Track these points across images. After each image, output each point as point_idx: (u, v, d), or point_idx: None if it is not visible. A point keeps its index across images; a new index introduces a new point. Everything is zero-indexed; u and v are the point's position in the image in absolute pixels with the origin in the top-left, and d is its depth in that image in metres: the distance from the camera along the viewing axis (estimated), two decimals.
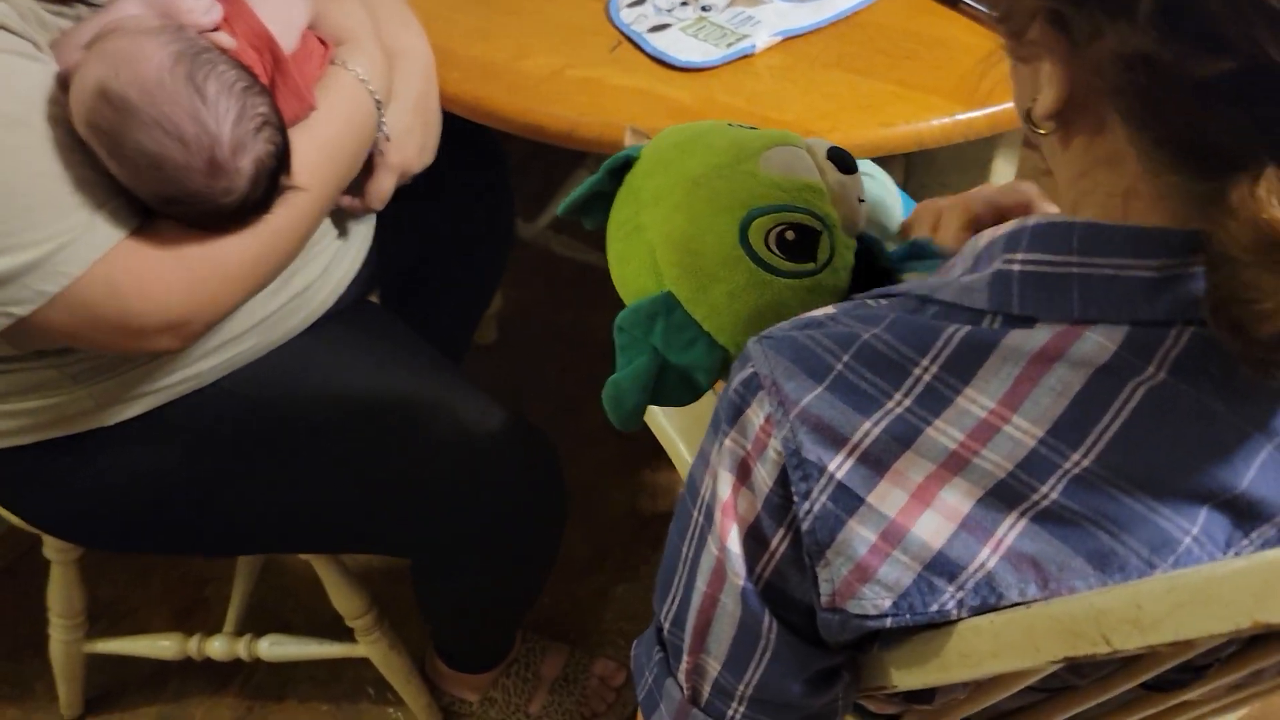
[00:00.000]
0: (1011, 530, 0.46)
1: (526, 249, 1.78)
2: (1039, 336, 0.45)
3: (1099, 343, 0.45)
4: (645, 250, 0.62)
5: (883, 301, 0.51)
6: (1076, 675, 0.55)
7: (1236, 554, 0.47)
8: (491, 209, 1.34)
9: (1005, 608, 0.47)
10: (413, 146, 0.99)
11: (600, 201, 0.68)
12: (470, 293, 1.42)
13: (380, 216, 1.09)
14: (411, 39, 1.02)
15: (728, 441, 0.51)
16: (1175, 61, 0.40)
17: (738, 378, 0.51)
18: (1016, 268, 0.47)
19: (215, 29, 0.82)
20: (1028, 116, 0.49)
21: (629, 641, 0.59)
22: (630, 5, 1.09)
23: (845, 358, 0.48)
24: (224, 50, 0.80)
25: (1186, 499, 0.45)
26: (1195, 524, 0.46)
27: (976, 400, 0.46)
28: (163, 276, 0.79)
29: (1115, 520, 0.45)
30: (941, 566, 0.47)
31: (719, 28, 1.05)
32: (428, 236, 1.25)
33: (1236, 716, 0.84)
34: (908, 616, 0.47)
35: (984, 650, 0.47)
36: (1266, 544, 0.47)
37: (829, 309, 0.52)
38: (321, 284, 1.01)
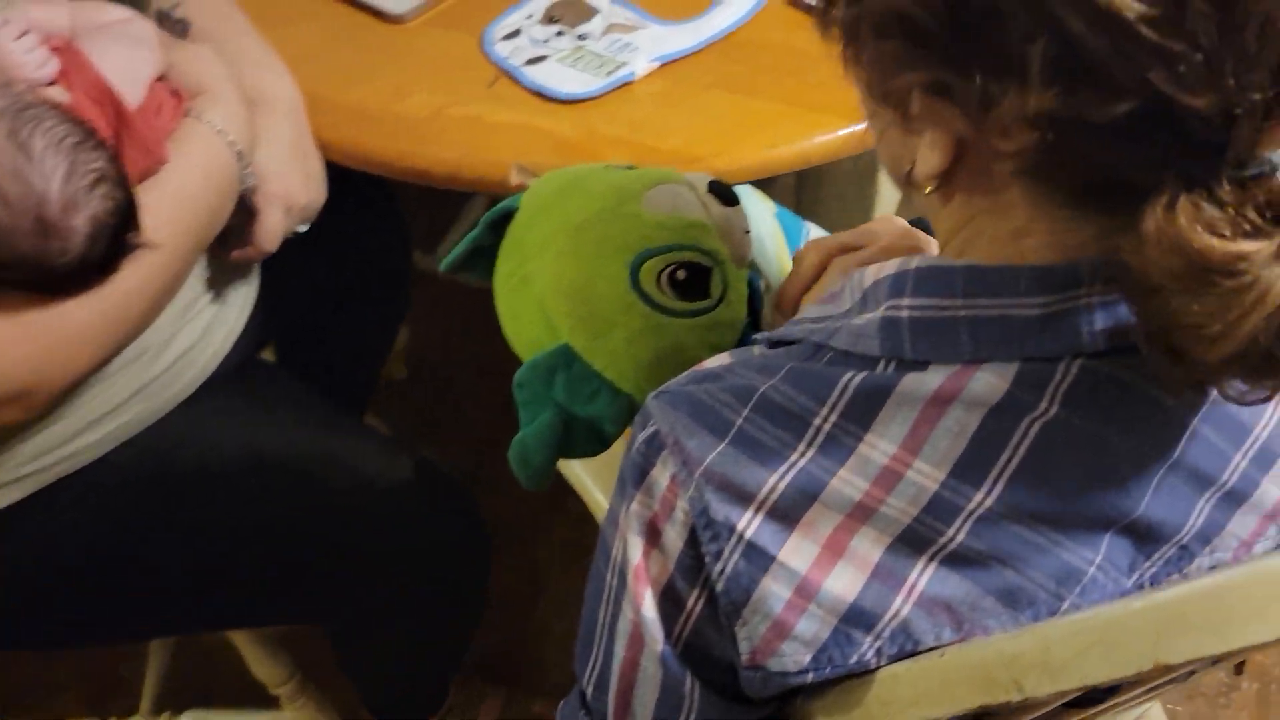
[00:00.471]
0: (922, 575, 0.46)
1: (430, 281, 1.74)
2: (933, 379, 0.45)
3: (991, 382, 0.45)
4: (535, 302, 0.61)
5: (778, 349, 0.51)
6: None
7: (1140, 576, 0.48)
8: (383, 248, 1.31)
9: (923, 652, 0.47)
10: (295, 178, 0.94)
11: (483, 256, 0.66)
12: (369, 336, 1.39)
13: (266, 269, 1.05)
14: (276, 84, 0.98)
15: (635, 505, 0.49)
16: (1075, 113, 0.39)
17: (639, 437, 0.50)
18: (905, 314, 0.47)
19: (50, 84, 0.78)
20: (907, 179, 0.48)
21: (571, 679, 0.58)
22: (505, 38, 1.07)
23: (745, 411, 0.47)
24: (57, 106, 0.76)
25: (1088, 528, 0.46)
26: (1098, 552, 0.46)
27: (877, 447, 0.46)
28: (2, 345, 0.75)
29: (1020, 557, 0.46)
30: (857, 618, 0.46)
31: (597, 56, 1.04)
32: (317, 284, 1.21)
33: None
34: (828, 670, 0.47)
35: (904, 697, 0.47)
36: (1168, 564, 0.48)
37: (724, 358, 0.52)
38: (204, 345, 0.97)
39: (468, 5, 1.12)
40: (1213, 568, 0.48)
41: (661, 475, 0.49)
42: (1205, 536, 0.47)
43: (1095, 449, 0.45)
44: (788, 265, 0.75)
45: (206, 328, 0.96)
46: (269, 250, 0.95)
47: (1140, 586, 0.48)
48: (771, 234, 0.72)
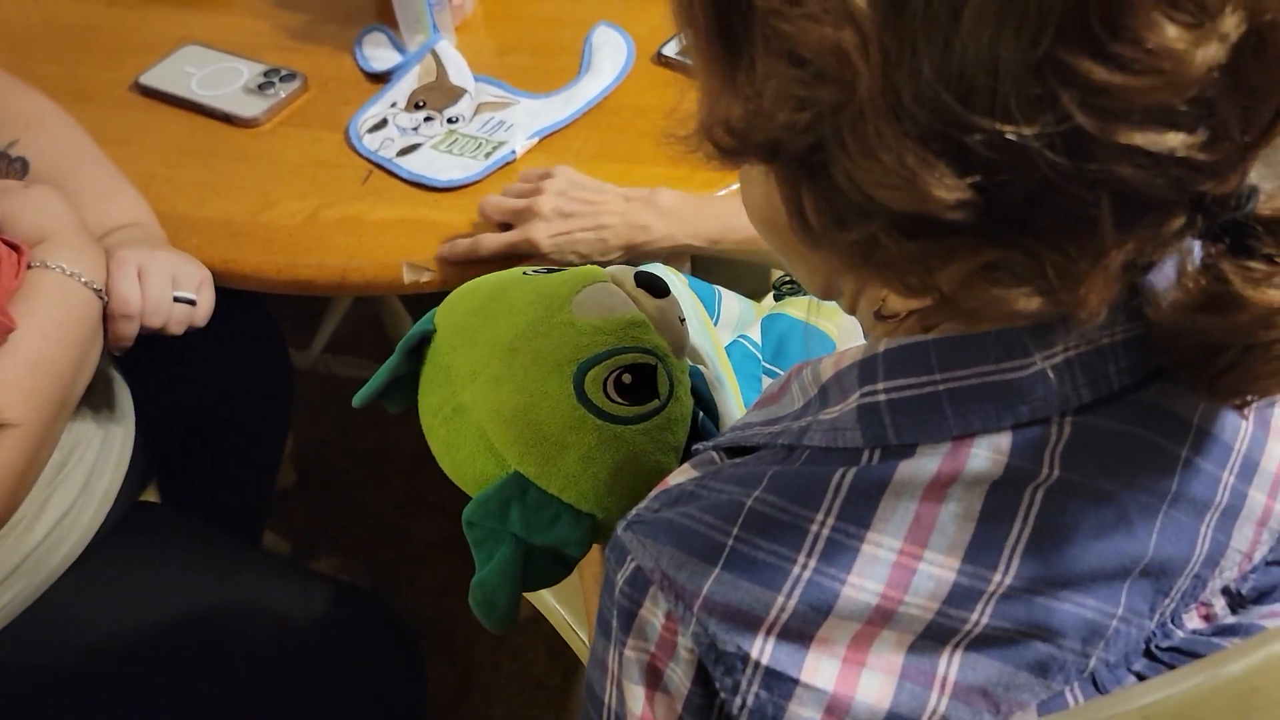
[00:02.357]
0: (951, 666, 0.44)
1: (307, 377, 1.66)
2: (927, 464, 0.43)
3: (988, 457, 0.43)
4: (474, 432, 0.56)
5: (746, 457, 0.48)
6: None
7: (1162, 616, 0.47)
8: (258, 357, 1.23)
9: None
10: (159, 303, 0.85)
11: (402, 385, 0.61)
12: (256, 451, 1.30)
13: (138, 403, 0.96)
14: (127, 211, 0.91)
15: (628, 651, 0.46)
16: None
17: (620, 577, 0.46)
18: (882, 398, 0.44)
19: None
20: (875, 314, 0.47)
21: None
22: (371, 130, 1.02)
23: (735, 530, 0.44)
24: None
25: (1106, 582, 0.44)
26: (1119, 605, 0.45)
27: (882, 544, 0.43)
28: None
29: (1046, 626, 0.44)
30: None
31: (472, 139, 1.00)
32: (194, 409, 1.13)
33: None
34: None
35: None
36: (1184, 596, 0.47)
37: (689, 472, 0.49)
38: (83, 505, 0.88)
39: (323, 100, 1.07)
40: (1224, 589, 0.48)
41: (654, 614, 0.45)
42: (1213, 560, 0.47)
43: (1100, 503, 0.43)
44: (716, 339, 0.72)
45: (84, 484, 0.88)
46: (125, 346, 0.85)
47: (1163, 626, 0.47)
48: (695, 311, 0.69)
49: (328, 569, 1.51)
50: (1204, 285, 0.39)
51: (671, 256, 0.89)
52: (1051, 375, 0.42)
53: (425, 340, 0.60)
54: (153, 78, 1.08)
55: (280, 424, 1.33)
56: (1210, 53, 0.32)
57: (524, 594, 0.57)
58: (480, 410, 0.56)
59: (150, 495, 1.16)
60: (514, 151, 0.98)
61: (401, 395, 0.62)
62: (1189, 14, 0.32)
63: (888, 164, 0.34)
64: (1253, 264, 0.39)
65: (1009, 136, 0.33)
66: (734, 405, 0.67)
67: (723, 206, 0.89)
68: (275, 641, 0.91)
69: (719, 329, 0.77)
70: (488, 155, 0.98)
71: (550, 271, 0.61)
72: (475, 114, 1.02)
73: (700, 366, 0.65)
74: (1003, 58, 0.32)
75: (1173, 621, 0.47)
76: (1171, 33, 0.31)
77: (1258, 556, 0.48)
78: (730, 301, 0.81)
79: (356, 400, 0.62)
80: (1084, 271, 0.37)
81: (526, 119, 1.01)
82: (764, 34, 0.36)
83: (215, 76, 1.08)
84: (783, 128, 0.36)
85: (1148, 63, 0.32)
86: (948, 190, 0.34)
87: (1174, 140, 0.33)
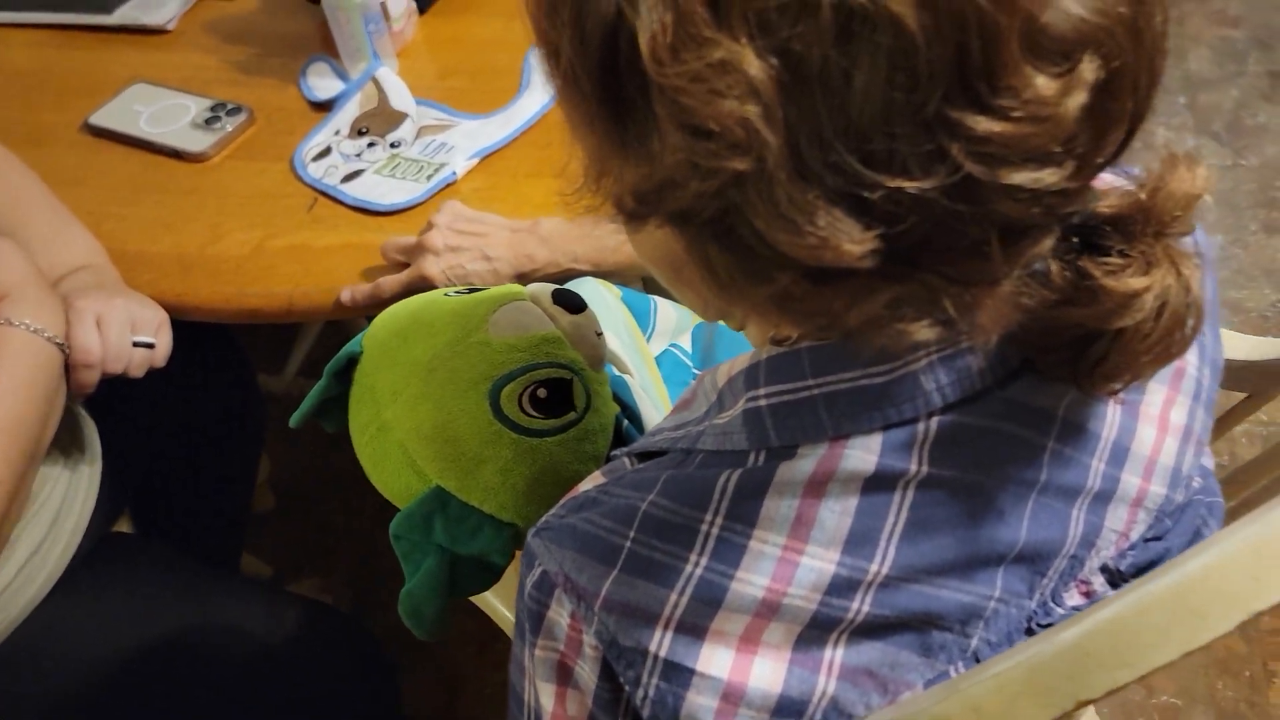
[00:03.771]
0: (837, 651, 0.46)
1: (282, 401, 1.68)
2: (805, 464, 0.46)
3: (861, 456, 0.45)
4: (397, 449, 0.58)
5: (648, 462, 0.51)
6: None
7: (1041, 595, 0.49)
8: (225, 384, 1.25)
9: None
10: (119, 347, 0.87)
11: (335, 404, 0.63)
12: (229, 478, 1.32)
13: (105, 437, 0.98)
14: (80, 254, 0.93)
15: (538, 651, 0.48)
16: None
17: (529, 580, 0.48)
18: (763, 402, 0.47)
19: None
20: (771, 339, 0.49)
21: None
22: (316, 159, 1.04)
23: (631, 533, 0.47)
24: None
25: (981, 568, 0.47)
26: (995, 588, 0.47)
27: (768, 540, 0.46)
28: None
29: (925, 611, 0.46)
30: (788, 707, 0.46)
31: (414, 162, 1.02)
32: (163, 438, 1.15)
33: None
34: None
35: None
36: (1063, 576, 0.50)
37: (598, 478, 0.51)
38: (53, 542, 0.90)
39: (270, 132, 1.09)
40: (1103, 567, 0.50)
41: (560, 615, 0.47)
42: (1088, 541, 0.49)
43: (970, 495, 0.46)
44: (646, 349, 0.75)
45: (52, 522, 0.89)
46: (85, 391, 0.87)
47: (1044, 605, 0.49)
48: (624, 323, 0.72)
49: (309, 590, 1.53)
50: (1069, 281, 0.42)
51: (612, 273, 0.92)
52: (919, 379, 0.45)
53: (353, 362, 0.62)
54: (102, 117, 1.11)
55: (251, 450, 1.35)
56: (1078, 99, 0.35)
57: (483, 599, 0.59)
58: (402, 428, 0.58)
59: (123, 526, 1.18)
60: (455, 173, 1.00)
61: (336, 415, 0.65)
62: (1055, 65, 0.34)
63: (799, 224, 0.36)
64: (1108, 259, 0.41)
65: (909, 190, 0.35)
66: (661, 413, 0.70)
67: (602, 230, 0.91)
68: (248, 664, 0.93)
69: (655, 338, 0.79)
70: (429, 177, 1.00)
71: (472, 291, 0.64)
72: (417, 137, 1.05)
73: (626, 376, 0.67)
74: (896, 118, 0.34)
75: (1053, 600, 0.50)
76: (1042, 83, 0.34)
77: (1135, 535, 0.51)
78: (667, 310, 0.83)
79: (292, 421, 0.65)
80: (978, 300, 0.39)
81: (466, 140, 1.03)
82: (664, 108, 0.36)
83: (163, 113, 1.10)
84: (692, 196, 0.38)
85: (1026, 111, 0.34)
86: (856, 244, 0.36)
87: (1050, 176, 0.36)
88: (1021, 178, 0.35)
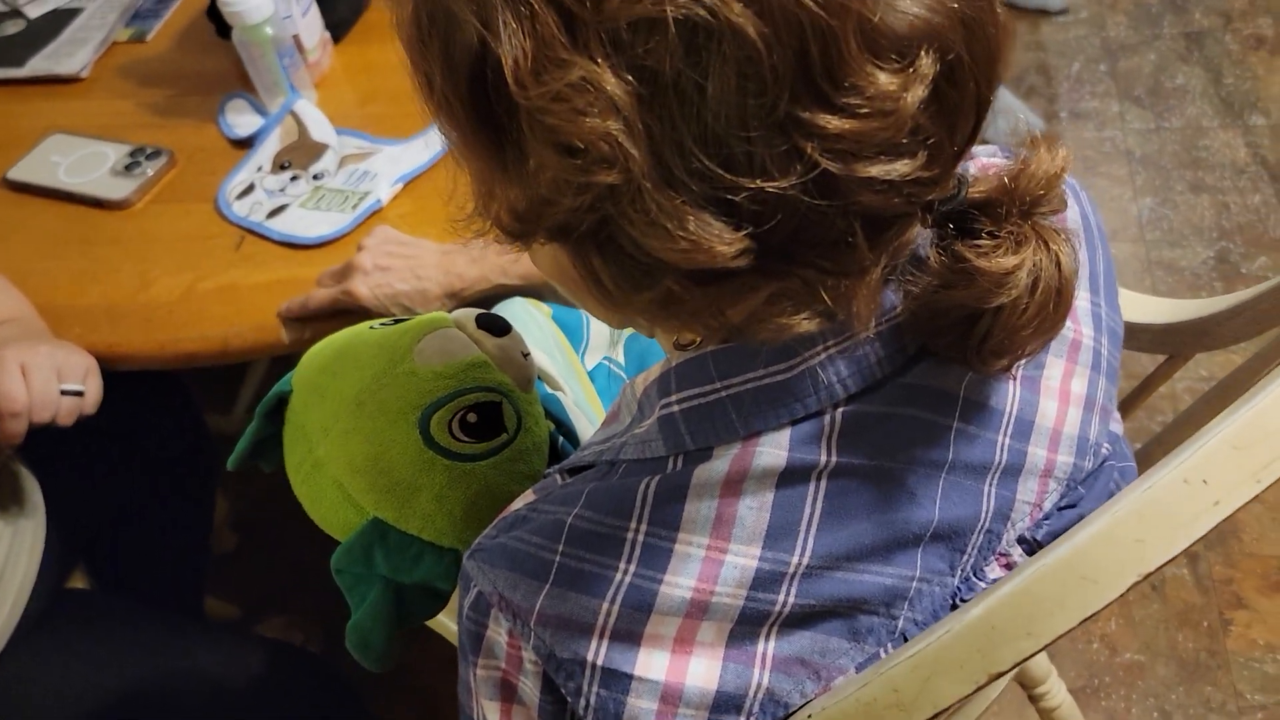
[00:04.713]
0: (769, 643, 0.47)
1: (231, 442, 1.66)
2: (720, 465, 0.47)
3: (772, 452, 0.47)
4: (332, 486, 0.59)
5: (577, 475, 0.51)
6: None
7: (963, 571, 0.51)
8: (173, 428, 1.24)
9: (795, 711, 0.48)
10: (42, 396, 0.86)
11: (271, 444, 0.64)
12: (183, 523, 1.31)
13: (52, 495, 0.97)
14: (3, 309, 0.92)
15: (479, 670, 0.49)
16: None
17: (466, 602, 0.49)
18: (676, 408, 0.48)
19: None
20: (675, 344, 0.50)
21: None
22: (240, 197, 1.04)
23: (560, 547, 0.48)
24: None
25: (900, 549, 0.48)
26: (916, 568, 0.49)
27: (692, 542, 0.47)
28: None
29: (849, 597, 0.48)
30: (725, 702, 0.47)
31: (339, 192, 1.02)
32: (111, 487, 1.14)
33: None
34: None
35: None
36: (981, 550, 0.51)
37: (529, 496, 0.52)
38: None
39: (191, 173, 1.09)
40: (1020, 538, 0.52)
41: (498, 634, 0.48)
42: (1002, 514, 0.51)
43: (881, 480, 0.48)
44: (578, 365, 0.76)
45: None
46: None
47: (966, 580, 0.51)
48: (555, 340, 0.73)
49: (279, 629, 1.52)
50: (946, 265, 0.44)
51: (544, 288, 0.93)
52: (818, 373, 0.46)
53: (283, 402, 0.63)
54: (20, 171, 1.10)
55: (205, 493, 1.34)
56: (918, 92, 0.37)
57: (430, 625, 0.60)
58: (335, 464, 0.59)
59: (79, 582, 1.17)
60: (380, 200, 1.00)
61: (273, 454, 0.65)
62: (894, 62, 0.36)
63: (671, 230, 0.38)
64: (979, 241, 0.43)
65: (771, 190, 0.37)
66: (595, 427, 0.71)
67: None
68: (212, 711, 0.93)
69: (589, 352, 0.80)
70: (354, 207, 1.00)
71: (398, 322, 0.64)
72: (340, 167, 1.05)
73: (559, 394, 0.68)
74: (751, 123, 0.36)
75: (975, 574, 0.51)
76: (883, 80, 0.36)
77: (1048, 505, 0.52)
78: (600, 324, 0.84)
79: (229, 464, 0.65)
80: (851, 289, 0.41)
81: (389, 166, 1.03)
82: (532, 129, 0.38)
83: (82, 163, 1.09)
84: (567, 211, 0.39)
85: (871, 107, 0.36)
86: (728, 245, 0.38)
87: (904, 166, 0.38)
88: (876, 170, 0.37)
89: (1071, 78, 2.05)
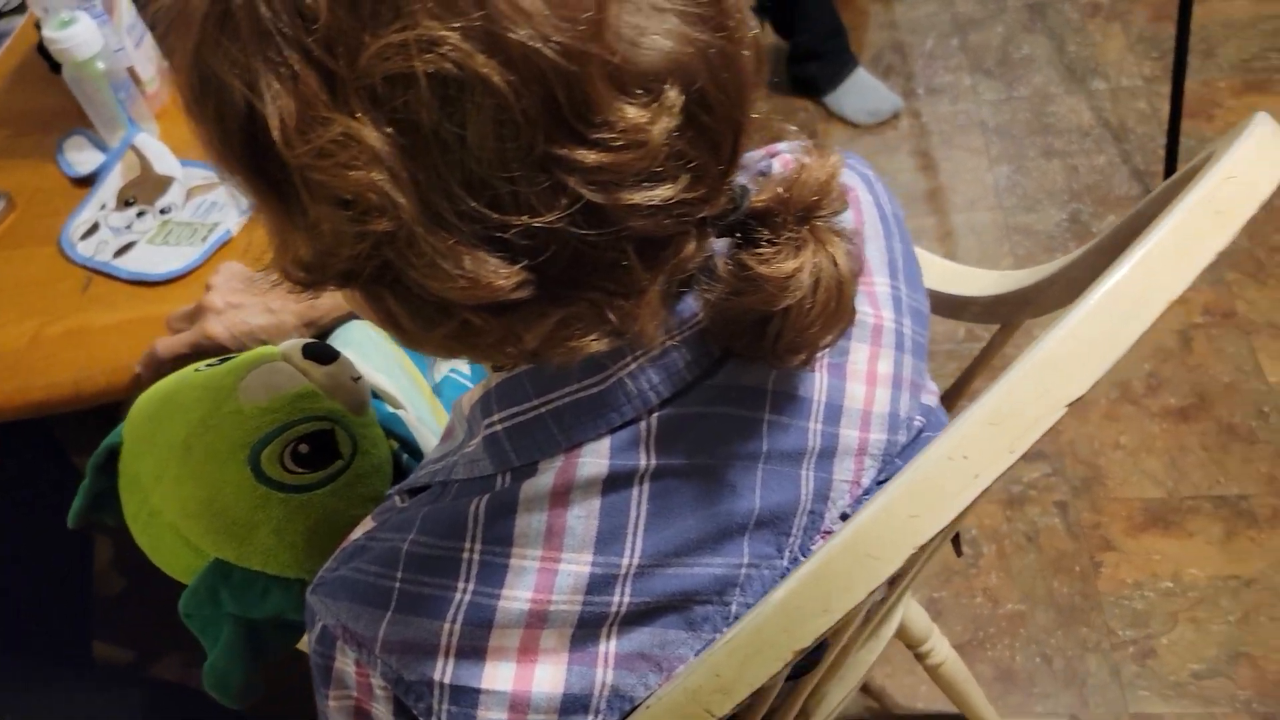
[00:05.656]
0: (610, 643, 0.49)
1: None
2: (546, 478, 0.48)
3: (594, 462, 0.48)
4: (169, 531, 0.59)
5: (415, 497, 0.53)
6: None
7: (791, 553, 0.53)
8: (39, 476, 1.21)
9: (639, 705, 0.50)
10: None
11: (109, 496, 0.63)
12: (61, 572, 1.28)
13: None
14: None
15: (332, 701, 0.50)
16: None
17: (312, 637, 0.50)
18: (499, 427, 0.50)
19: None
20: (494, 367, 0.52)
21: None
22: (84, 237, 1.02)
23: (399, 574, 0.49)
24: None
25: (726, 540, 0.51)
26: (743, 555, 0.51)
27: (527, 556, 0.48)
28: None
29: (682, 591, 0.50)
30: (573, 705, 0.49)
31: (187, 226, 1.01)
32: None
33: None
34: None
35: None
36: (806, 531, 0.54)
37: (368, 524, 0.53)
38: None
39: (31, 215, 1.06)
40: (843, 515, 0.55)
41: (346, 664, 0.49)
42: (822, 495, 0.54)
43: (701, 477, 0.50)
44: (422, 381, 0.76)
45: None
46: None
47: (795, 560, 0.53)
48: (395, 359, 0.73)
49: (172, 670, 1.49)
50: (733, 274, 0.46)
51: None
52: (629, 382, 0.48)
53: (114, 454, 0.62)
54: None
55: (78, 538, 1.30)
56: (665, 123, 0.39)
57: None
58: (170, 510, 0.59)
59: None
60: (229, 230, 0.99)
61: (112, 508, 0.64)
62: (642, 96, 0.38)
63: (448, 270, 0.39)
64: (760, 249, 0.46)
65: (539, 225, 0.38)
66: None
67: None
68: None
69: (438, 365, 0.81)
70: (204, 239, 0.99)
71: (224, 361, 0.64)
72: (187, 200, 1.03)
73: (400, 412, 0.69)
74: (511, 163, 0.38)
75: (802, 554, 0.54)
76: (632, 114, 0.38)
77: (866, 480, 0.55)
78: None
79: (70, 522, 0.64)
80: (634, 308, 0.43)
81: (237, 196, 1.02)
82: (306, 184, 0.39)
83: None
84: (349, 259, 0.40)
85: (624, 140, 0.38)
86: (505, 279, 0.40)
87: (667, 191, 0.40)
88: (639, 197, 0.39)
89: (925, 54, 2.11)
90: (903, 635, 1.12)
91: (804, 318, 0.46)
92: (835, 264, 0.46)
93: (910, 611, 1.11)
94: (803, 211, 0.46)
